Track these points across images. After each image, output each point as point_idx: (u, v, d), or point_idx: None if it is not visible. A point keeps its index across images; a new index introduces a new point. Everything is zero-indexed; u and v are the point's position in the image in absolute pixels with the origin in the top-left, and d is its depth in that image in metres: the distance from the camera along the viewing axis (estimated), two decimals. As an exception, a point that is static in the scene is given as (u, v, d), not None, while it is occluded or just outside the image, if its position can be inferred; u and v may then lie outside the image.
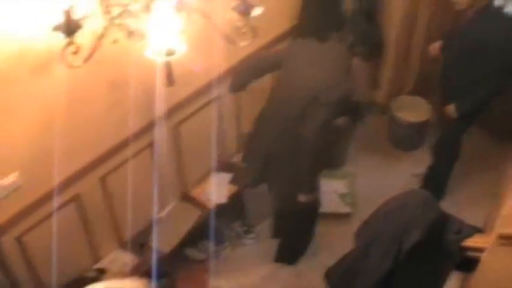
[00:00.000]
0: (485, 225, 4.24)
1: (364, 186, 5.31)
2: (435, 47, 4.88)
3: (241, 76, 4.21)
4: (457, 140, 4.97)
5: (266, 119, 4.19)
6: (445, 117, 4.80)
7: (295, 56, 4.04)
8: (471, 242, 3.42)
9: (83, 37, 2.54)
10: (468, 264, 3.39)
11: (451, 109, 4.65)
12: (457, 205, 5.09)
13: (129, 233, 4.43)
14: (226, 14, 2.69)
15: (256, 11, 2.63)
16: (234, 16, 2.64)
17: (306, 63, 3.94)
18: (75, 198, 3.91)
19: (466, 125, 4.84)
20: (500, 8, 4.42)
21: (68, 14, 2.43)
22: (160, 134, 4.10)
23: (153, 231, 4.36)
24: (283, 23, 4.72)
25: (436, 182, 5.17)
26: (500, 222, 3.13)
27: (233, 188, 4.80)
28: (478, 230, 3.61)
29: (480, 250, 3.32)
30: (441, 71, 4.84)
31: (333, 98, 3.78)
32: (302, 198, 4.23)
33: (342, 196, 5.29)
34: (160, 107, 3.68)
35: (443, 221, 3.45)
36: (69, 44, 2.47)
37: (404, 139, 5.68)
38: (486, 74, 4.32)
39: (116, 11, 2.62)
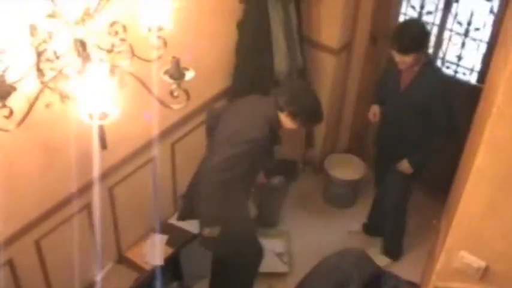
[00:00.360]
0: (422, 280, 4.31)
1: (300, 245, 5.35)
2: (375, 113, 4.89)
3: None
4: (407, 199, 5.09)
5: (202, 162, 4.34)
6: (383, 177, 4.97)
7: (227, 110, 4.25)
8: (409, 298, 3.48)
9: (15, 100, 2.54)
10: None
11: (404, 165, 4.70)
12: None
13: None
14: (159, 77, 2.73)
15: (189, 75, 2.68)
16: (167, 80, 2.68)
17: (231, 116, 4.14)
18: (9, 263, 3.84)
19: (414, 180, 4.92)
20: (438, 68, 4.74)
21: (1, 77, 2.44)
22: (95, 197, 4.08)
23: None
24: (217, 83, 4.80)
25: (396, 244, 5.32)
26: (435, 277, 3.20)
27: (169, 250, 4.77)
28: (413, 285, 3.68)
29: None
30: (381, 131, 4.94)
31: (238, 140, 3.92)
32: (204, 231, 4.28)
33: (279, 255, 5.31)
34: (94, 170, 3.67)
35: (378, 278, 3.49)
36: (2, 107, 2.46)
37: (339, 197, 5.76)
38: (435, 129, 4.43)
39: (49, 74, 2.63)
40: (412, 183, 4.94)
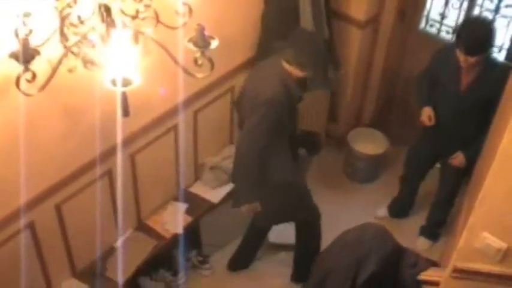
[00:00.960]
0: (441, 259, 4.29)
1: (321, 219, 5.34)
2: (430, 115, 4.63)
3: None
4: (457, 192, 5.05)
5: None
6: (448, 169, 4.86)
7: (250, 74, 4.36)
8: (426, 275, 3.46)
9: (39, 64, 2.53)
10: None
11: (459, 159, 4.65)
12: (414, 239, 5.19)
13: (83, 262, 4.40)
14: (183, 45, 2.70)
15: (213, 44, 2.65)
16: (191, 48, 2.65)
17: (247, 87, 4.25)
18: (30, 225, 3.87)
19: (466, 174, 4.78)
20: (499, 63, 4.58)
21: (24, 41, 2.42)
22: (117, 163, 4.09)
23: (107, 261, 4.33)
24: (242, 53, 4.76)
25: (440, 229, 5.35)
26: (455, 256, 3.17)
27: (189, 218, 4.78)
28: (433, 264, 3.65)
29: (435, 284, 3.36)
30: (436, 131, 4.69)
31: (255, 106, 3.98)
32: (243, 208, 4.37)
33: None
34: (117, 137, 3.67)
35: (399, 254, 3.48)
36: (25, 71, 2.45)
37: (361, 171, 5.73)
38: (487, 122, 4.24)
39: (73, 39, 2.61)
40: (463, 178, 4.85)
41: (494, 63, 4.43)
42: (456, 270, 3.13)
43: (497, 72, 4.26)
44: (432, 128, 4.65)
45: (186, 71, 2.69)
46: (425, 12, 5.36)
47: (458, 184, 4.94)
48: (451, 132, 4.59)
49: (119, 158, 4.01)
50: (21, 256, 3.86)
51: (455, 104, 4.45)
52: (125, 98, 2.54)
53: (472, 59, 4.16)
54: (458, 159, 4.65)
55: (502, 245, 2.97)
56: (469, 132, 4.49)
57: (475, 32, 4.16)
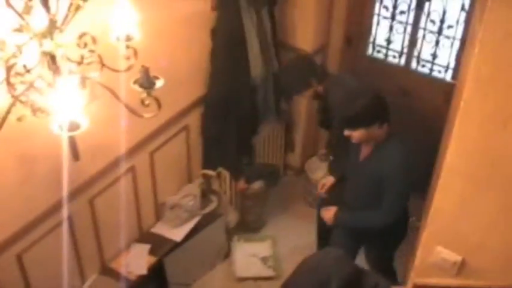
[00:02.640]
0: (404, 278, 4.34)
1: (285, 249, 5.38)
2: (325, 184, 4.64)
3: None
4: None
5: None
6: None
7: None
8: (388, 296, 3.50)
9: (-13, 115, 2.56)
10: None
11: (329, 213, 4.38)
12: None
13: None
14: (130, 87, 2.75)
15: (158, 84, 2.70)
16: (137, 88, 2.70)
17: None
18: (-9, 279, 3.84)
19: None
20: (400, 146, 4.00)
21: (-29, 93, 2.45)
22: (75, 209, 4.09)
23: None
24: (193, 92, 4.81)
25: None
26: (413, 273, 3.23)
27: (153, 258, 4.78)
28: (394, 283, 3.70)
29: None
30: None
31: None
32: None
33: (264, 259, 5.34)
34: (71, 182, 3.68)
35: (359, 276, 3.51)
36: (-26, 123, 2.47)
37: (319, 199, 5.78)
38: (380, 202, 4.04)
39: (20, 88, 2.64)
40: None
41: (394, 146, 3.94)
42: (415, 286, 3.19)
43: (394, 155, 3.91)
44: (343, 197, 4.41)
45: (133, 112, 2.74)
46: (371, 39, 5.49)
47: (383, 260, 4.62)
48: (351, 206, 4.31)
49: (75, 204, 4.01)
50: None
51: (354, 175, 4.26)
52: (73, 142, 2.57)
53: (355, 133, 3.83)
54: (328, 212, 4.37)
55: (457, 258, 3.04)
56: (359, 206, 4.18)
57: (353, 102, 3.81)
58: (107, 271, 4.71)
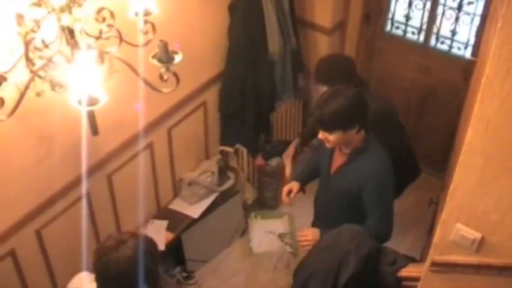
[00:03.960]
0: (422, 256, 4.33)
1: (302, 225, 5.34)
2: (291, 189, 4.20)
3: None
4: None
5: None
6: None
7: None
8: (406, 272, 3.49)
9: (6, 90, 2.56)
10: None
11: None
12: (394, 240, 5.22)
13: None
14: (148, 62, 2.74)
15: (177, 58, 2.69)
16: (156, 64, 2.70)
17: None
18: (11, 253, 3.87)
19: None
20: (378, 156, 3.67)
21: (-10, 68, 2.46)
22: (93, 185, 4.11)
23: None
24: (211, 68, 4.79)
25: None
26: (432, 250, 3.21)
27: (170, 235, 4.80)
28: (412, 260, 3.69)
29: (415, 279, 3.39)
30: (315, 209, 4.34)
31: None
32: None
33: (281, 236, 5.35)
34: (90, 158, 3.69)
35: (377, 253, 3.51)
36: (-7, 97, 2.48)
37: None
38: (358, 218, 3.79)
39: (39, 63, 2.65)
40: None
41: (368, 149, 3.61)
42: (434, 263, 3.17)
43: (368, 158, 3.61)
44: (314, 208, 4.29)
45: (151, 87, 2.73)
46: (389, 15, 5.44)
47: None
48: (323, 218, 4.17)
49: (94, 179, 4.02)
50: (4, 283, 3.87)
51: (325, 187, 3.99)
52: (92, 116, 2.57)
53: (330, 137, 3.47)
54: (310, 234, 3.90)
55: (476, 235, 3.01)
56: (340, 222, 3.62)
57: (330, 103, 3.38)
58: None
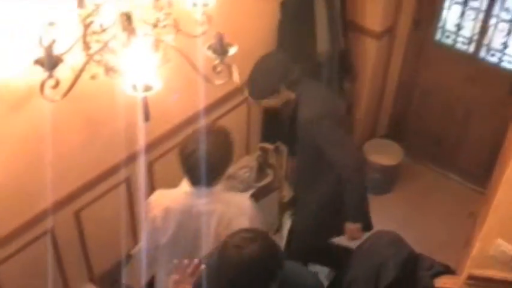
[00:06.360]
0: (457, 268, 4.31)
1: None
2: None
3: None
4: None
5: None
6: None
7: None
8: (442, 283, 3.48)
9: (62, 72, 2.59)
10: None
11: None
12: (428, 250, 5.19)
13: (101, 267, 4.45)
14: (202, 53, 2.76)
15: (232, 50, 2.70)
16: (210, 55, 2.71)
17: None
18: (50, 231, 3.92)
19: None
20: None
21: (48, 49, 2.49)
22: (134, 170, 4.14)
23: (125, 267, 4.37)
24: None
25: None
26: (470, 263, 3.20)
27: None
28: (448, 268, 3.68)
29: (451, 291, 3.38)
30: None
31: None
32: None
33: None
34: (136, 143, 3.72)
35: (415, 259, 3.51)
36: (49, 77, 2.51)
37: (376, 182, 5.74)
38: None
39: (95, 47, 2.68)
40: None
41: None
42: (471, 277, 3.16)
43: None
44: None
45: (205, 78, 2.75)
46: (440, 23, 5.39)
47: None
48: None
49: (139, 165, 4.05)
50: (41, 261, 3.92)
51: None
52: (145, 103, 2.60)
53: None
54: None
55: (517, 252, 3.00)
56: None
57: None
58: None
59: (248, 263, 2.65)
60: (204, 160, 3.15)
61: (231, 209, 3.34)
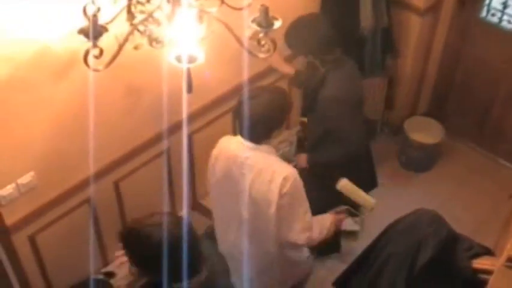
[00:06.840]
0: (495, 250, 4.26)
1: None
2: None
3: None
4: None
5: None
6: None
7: None
8: (480, 264, 3.45)
9: (106, 41, 2.60)
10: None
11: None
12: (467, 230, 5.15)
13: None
14: (247, 25, 2.74)
15: (277, 24, 2.68)
16: (255, 28, 2.69)
17: None
18: (88, 201, 3.97)
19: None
20: None
21: (93, 18, 2.49)
22: (174, 142, 4.15)
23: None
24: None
25: None
26: (510, 245, 3.16)
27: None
28: (487, 249, 3.64)
29: (489, 273, 3.34)
30: None
31: None
32: None
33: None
34: (176, 115, 3.72)
35: (454, 239, 3.49)
36: (93, 47, 2.52)
37: (415, 160, 5.70)
38: None
39: (139, 17, 2.68)
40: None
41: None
42: (510, 259, 3.12)
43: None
44: None
45: (248, 51, 2.73)
46: (486, 1, 5.29)
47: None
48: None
49: (184, 133, 4.05)
50: (79, 230, 3.99)
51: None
52: (189, 74, 2.60)
53: None
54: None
55: (559, 235, 2.95)
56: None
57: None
58: (198, 207, 4.80)
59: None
60: (252, 113, 3.24)
61: (270, 170, 3.35)
